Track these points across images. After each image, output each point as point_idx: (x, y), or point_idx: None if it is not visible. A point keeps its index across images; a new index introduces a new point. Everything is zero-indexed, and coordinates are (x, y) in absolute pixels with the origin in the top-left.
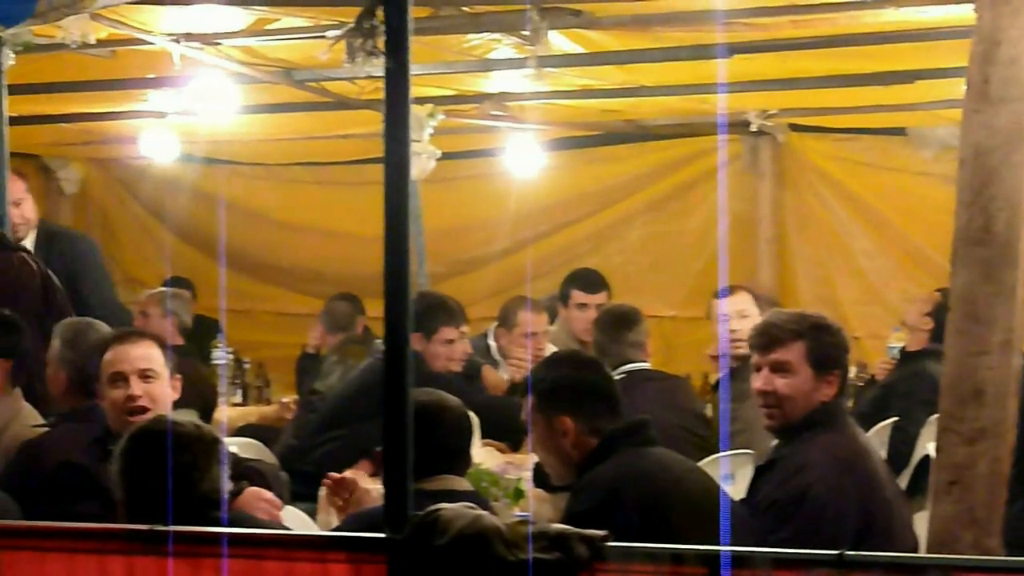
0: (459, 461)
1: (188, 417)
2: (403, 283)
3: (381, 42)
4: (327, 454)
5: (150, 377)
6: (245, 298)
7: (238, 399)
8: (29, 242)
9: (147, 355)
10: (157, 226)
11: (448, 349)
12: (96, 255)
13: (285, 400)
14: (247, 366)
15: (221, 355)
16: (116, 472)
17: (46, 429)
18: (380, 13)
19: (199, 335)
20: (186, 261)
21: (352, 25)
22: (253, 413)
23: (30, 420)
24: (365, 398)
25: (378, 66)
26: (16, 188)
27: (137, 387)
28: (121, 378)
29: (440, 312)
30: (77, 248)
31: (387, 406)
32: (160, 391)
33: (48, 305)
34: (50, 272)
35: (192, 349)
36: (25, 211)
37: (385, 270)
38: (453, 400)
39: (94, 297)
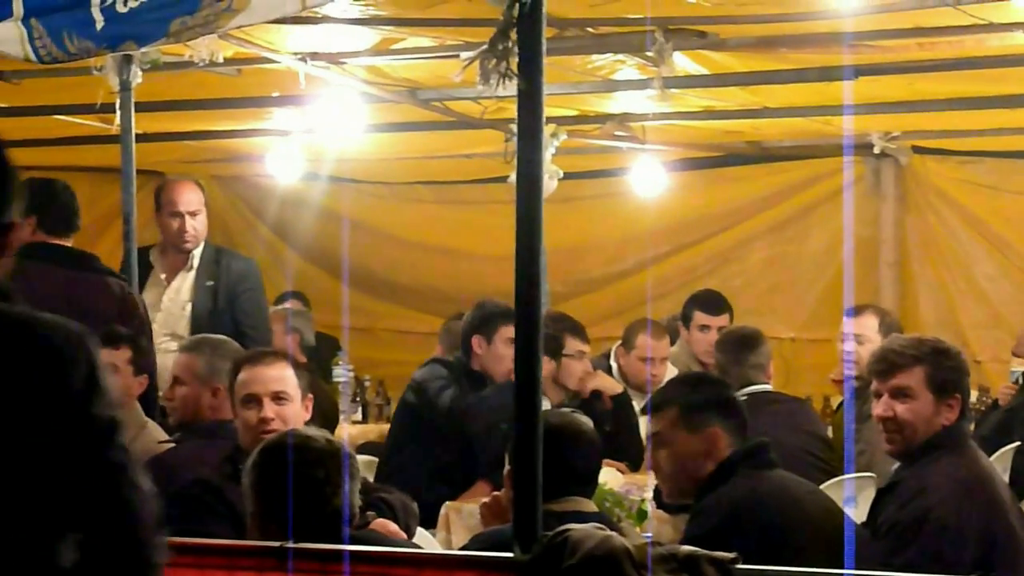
0: (588, 483)
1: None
2: (534, 303)
3: (514, 63)
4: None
5: (283, 399)
6: (366, 316)
7: (358, 416)
8: (197, 256)
9: (281, 377)
10: (279, 244)
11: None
12: (256, 277)
13: None
14: (367, 384)
15: (342, 372)
16: (247, 486)
17: (172, 445)
18: (513, 35)
19: (318, 352)
20: (307, 279)
21: (485, 47)
22: (373, 431)
23: (155, 436)
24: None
25: (511, 88)
26: (194, 199)
27: (270, 409)
28: (254, 399)
29: (499, 315)
30: (239, 267)
31: (518, 426)
32: (292, 413)
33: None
34: (136, 296)
35: (313, 366)
36: (198, 224)
37: (517, 290)
38: (585, 423)
39: (249, 317)
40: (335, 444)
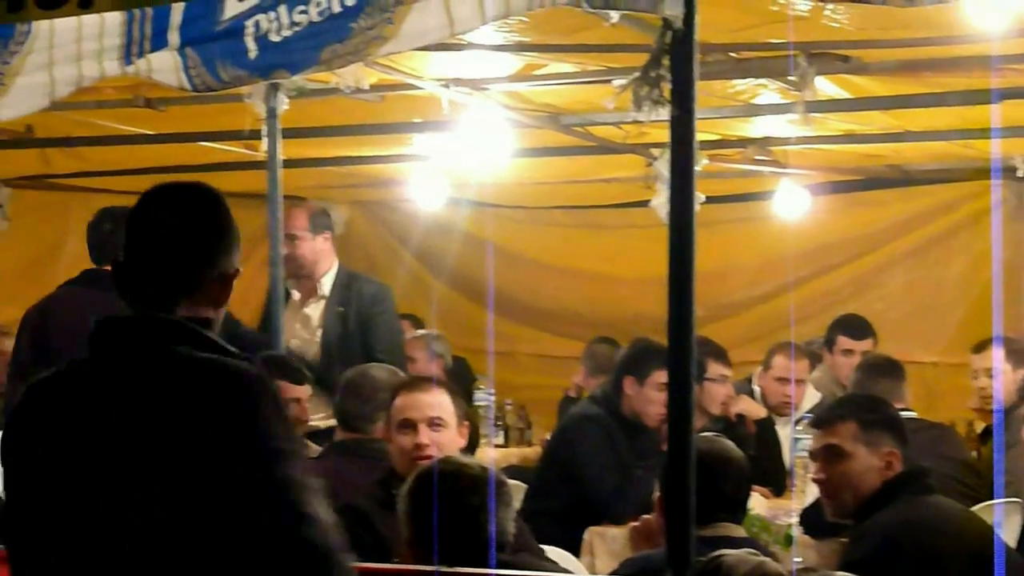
0: (737, 509)
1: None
2: (687, 328)
3: (667, 90)
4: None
5: (439, 425)
6: (507, 340)
7: (500, 440)
8: (330, 280)
9: (438, 403)
10: (421, 268)
11: (664, 395)
12: (389, 301)
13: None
14: (509, 407)
15: (484, 396)
16: (402, 512)
17: (315, 462)
18: (665, 61)
19: (458, 375)
20: (449, 303)
21: (638, 73)
22: (515, 454)
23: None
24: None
25: (663, 113)
26: (294, 224)
27: (425, 435)
28: (410, 425)
29: (653, 356)
30: (371, 291)
31: (671, 452)
32: (448, 439)
33: None
34: None
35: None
36: (301, 249)
37: (669, 315)
38: (734, 448)
39: (382, 341)
40: (489, 471)
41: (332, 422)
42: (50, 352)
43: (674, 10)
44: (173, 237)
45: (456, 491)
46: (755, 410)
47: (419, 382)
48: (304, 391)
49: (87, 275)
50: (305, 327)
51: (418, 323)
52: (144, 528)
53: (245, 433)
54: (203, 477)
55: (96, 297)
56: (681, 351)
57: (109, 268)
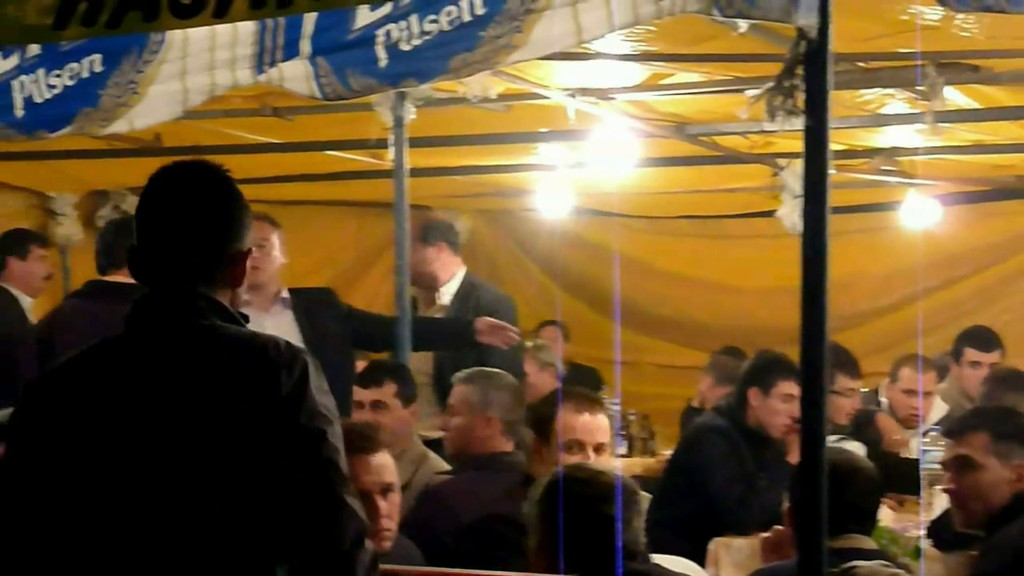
0: (868, 521)
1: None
2: (819, 338)
3: (800, 100)
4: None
5: (602, 450)
6: (630, 349)
7: (623, 450)
8: (451, 289)
9: (604, 428)
10: (545, 277)
11: (789, 406)
12: (507, 310)
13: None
14: (632, 418)
15: (608, 406)
16: (533, 517)
17: (449, 477)
18: (799, 71)
19: (578, 383)
20: (573, 313)
21: (772, 84)
22: (638, 464)
23: (435, 467)
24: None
25: (796, 124)
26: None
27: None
28: (578, 446)
29: (778, 368)
30: (489, 300)
31: (803, 463)
32: (604, 462)
33: None
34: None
35: None
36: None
37: (802, 325)
38: (865, 461)
39: (496, 353)
40: (624, 480)
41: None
42: None
43: (809, 20)
44: (188, 218)
45: (589, 498)
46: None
47: (587, 404)
48: (388, 391)
49: (93, 287)
50: None
51: (564, 331)
52: (183, 504)
53: (290, 410)
54: (247, 454)
55: (101, 310)
56: (814, 362)
57: (113, 279)
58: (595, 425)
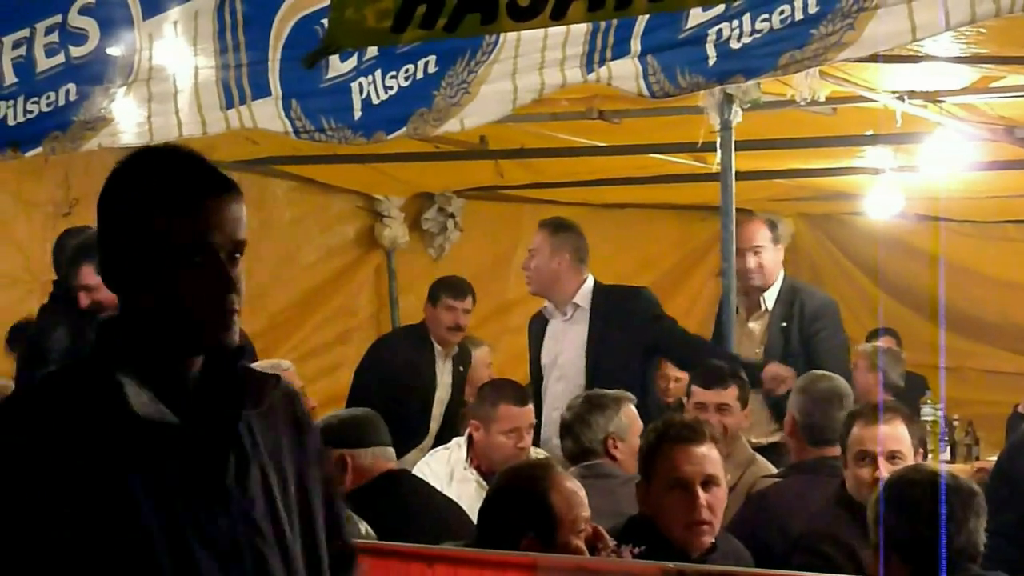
0: None
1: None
2: None
3: None
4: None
5: (897, 459)
6: (954, 355)
7: (946, 456)
8: (771, 295)
9: (897, 436)
10: (867, 281)
11: None
12: (832, 316)
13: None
14: (956, 423)
15: (930, 411)
16: (870, 520)
17: (778, 481)
18: None
19: (907, 391)
20: (896, 317)
21: None
22: (960, 471)
23: (762, 471)
24: None
25: None
26: (756, 235)
27: (884, 468)
28: (868, 456)
29: None
30: (814, 305)
31: None
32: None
33: None
34: None
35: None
36: (763, 261)
37: None
38: None
39: (825, 361)
40: (960, 480)
41: (775, 438)
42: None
43: None
44: None
45: (926, 500)
46: None
47: (876, 412)
48: (731, 394)
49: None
50: (750, 342)
51: (899, 339)
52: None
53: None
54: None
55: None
56: None
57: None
58: (883, 435)
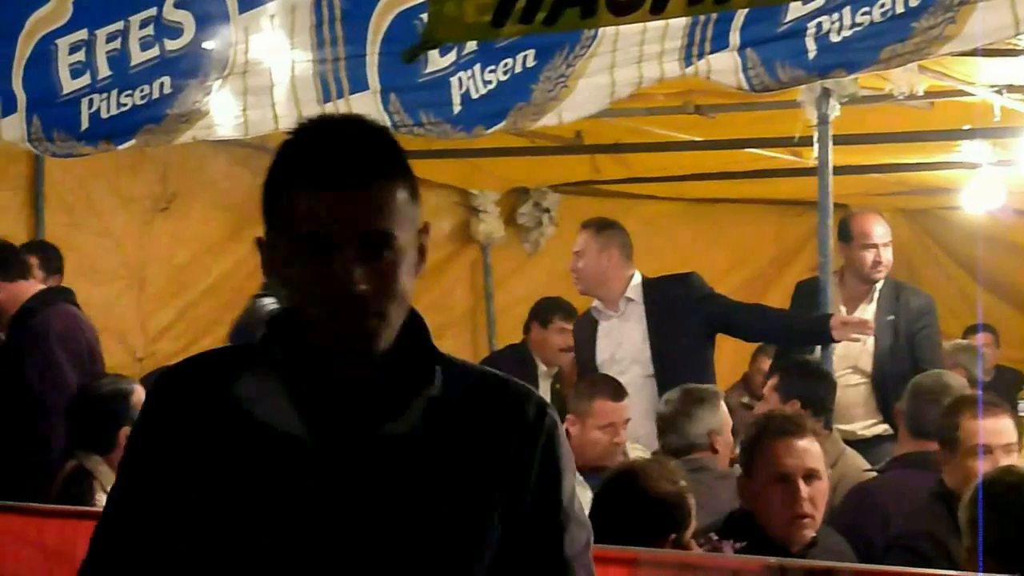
0: None
1: None
2: None
3: None
4: None
5: (1010, 451)
6: None
7: None
8: (877, 288)
9: (1009, 429)
10: (965, 278)
11: None
12: (933, 315)
13: None
14: None
15: None
16: (964, 521)
17: (876, 475)
18: None
19: (1001, 385)
20: (995, 313)
21: None
22: None
23: (856, 464)
24: None
25: None
26: (885, 231)
27: (1003, 460)
28: (985, 449)
29: None
30: (918, 303)
31: None
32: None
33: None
34: None
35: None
36: (888, 256)
37: None
38: None
39: (926, 359)
40: None
41: (878, 430)
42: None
43: None
44: None
45: (1020, 501)
46: None
47: (989, 407)
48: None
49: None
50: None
51: (996, 335)
52: None
53: None
54: None
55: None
56: None
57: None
58: (998, 427)
